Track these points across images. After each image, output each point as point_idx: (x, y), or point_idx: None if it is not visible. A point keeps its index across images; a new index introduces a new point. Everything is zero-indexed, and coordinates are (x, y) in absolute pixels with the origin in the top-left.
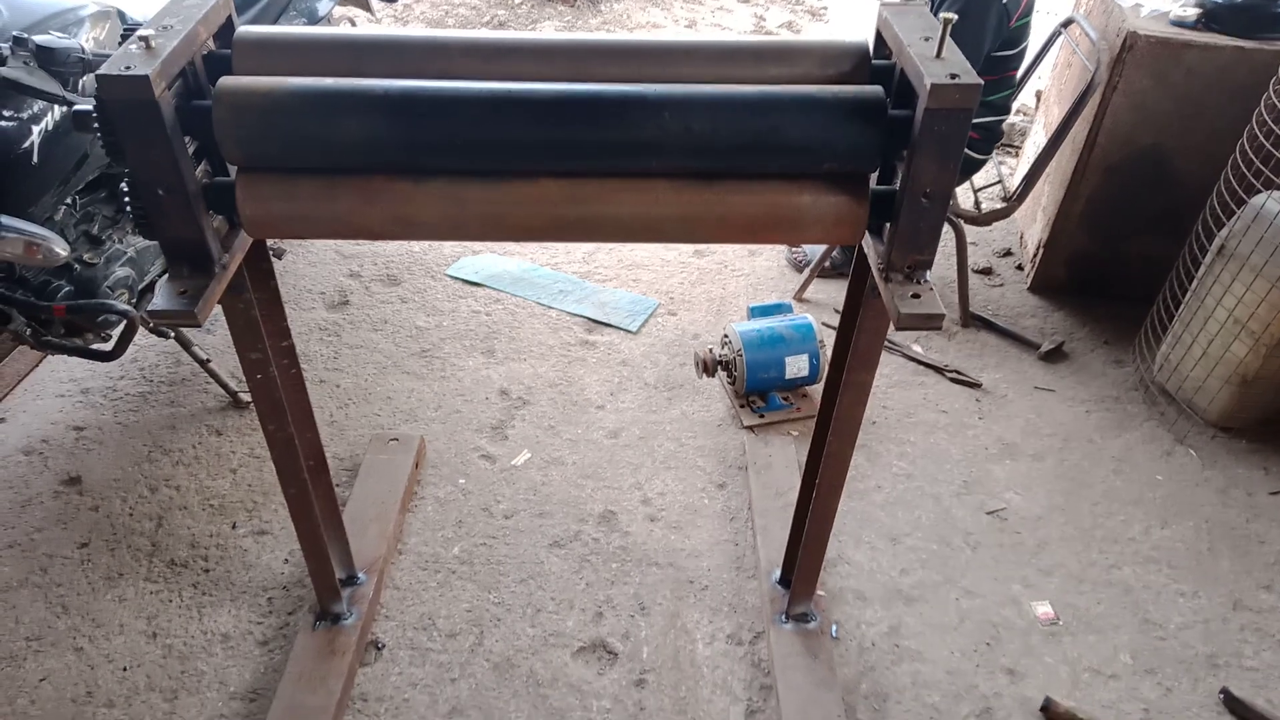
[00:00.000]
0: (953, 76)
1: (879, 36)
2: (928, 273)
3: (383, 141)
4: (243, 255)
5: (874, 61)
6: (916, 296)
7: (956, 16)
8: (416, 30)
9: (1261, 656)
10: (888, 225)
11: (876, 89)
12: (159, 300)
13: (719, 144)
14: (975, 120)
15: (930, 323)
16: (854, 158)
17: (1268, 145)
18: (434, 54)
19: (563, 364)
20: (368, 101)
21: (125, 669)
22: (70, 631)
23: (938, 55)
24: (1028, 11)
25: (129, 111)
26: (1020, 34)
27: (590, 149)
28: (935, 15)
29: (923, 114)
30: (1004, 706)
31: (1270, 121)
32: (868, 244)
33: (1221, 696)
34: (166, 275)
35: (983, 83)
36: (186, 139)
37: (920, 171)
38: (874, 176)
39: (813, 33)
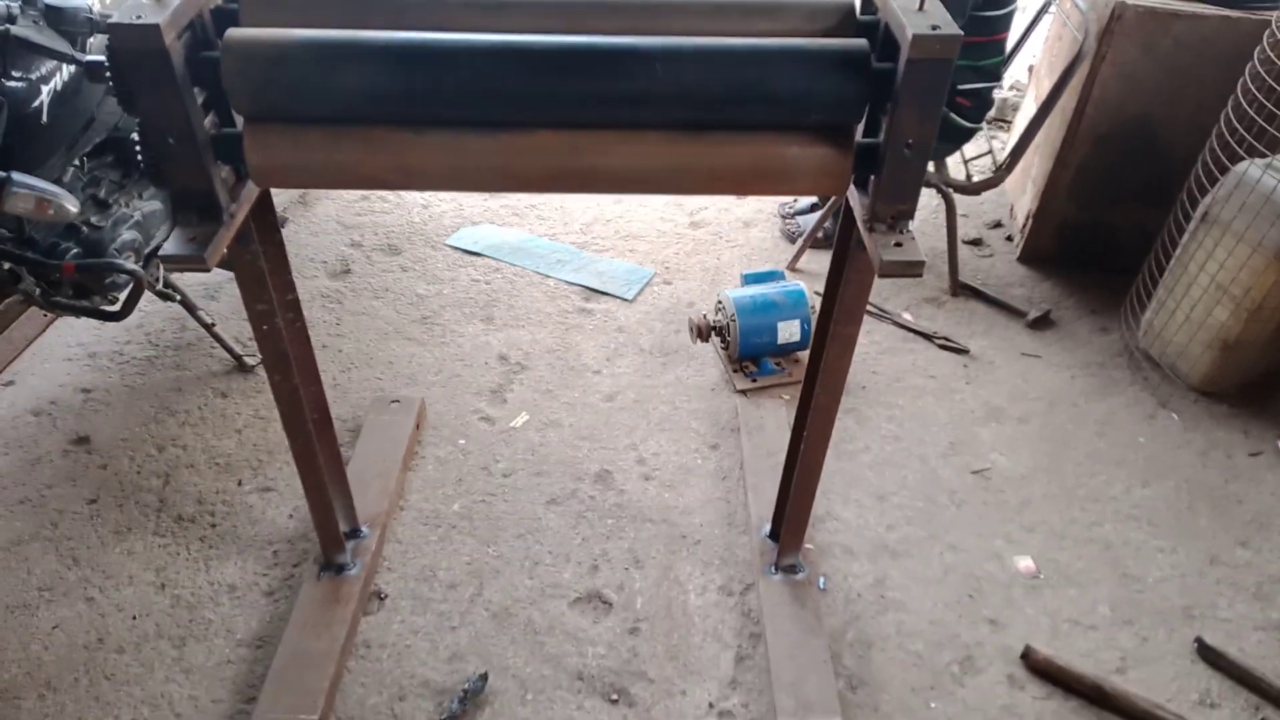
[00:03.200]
0: (934, 28)
1: None
2: (910, 222)
3: (385, 92)
4: (250, 206)
5: (861, 17)
6: (899, 245)
7: None
8: None
9: (1235, 609)
10: (872, 178)
11: (861, 41)
12: (169, 246)
13: (709, 94)
14: (966, 87)
15: (911, 269)
16: (839, 109)
17: (1251, 113)
18: (435, 7)
19: (560, 330)
20: (370, 52)
21: (135, 617)
22: (81, 582)
23: (920, 8)
24: None
25: (140, 60)
26: None
27: (585, 100)
28: None
29: (905, 65)
30: (985, 654)
31: (1255, 90)
32: (854, 198)
33: (1195, 645)
34: (176, 226)
35: (963, 34)
36: (196, 90)
37: (903, 122)
38: (860, 132)
39: None
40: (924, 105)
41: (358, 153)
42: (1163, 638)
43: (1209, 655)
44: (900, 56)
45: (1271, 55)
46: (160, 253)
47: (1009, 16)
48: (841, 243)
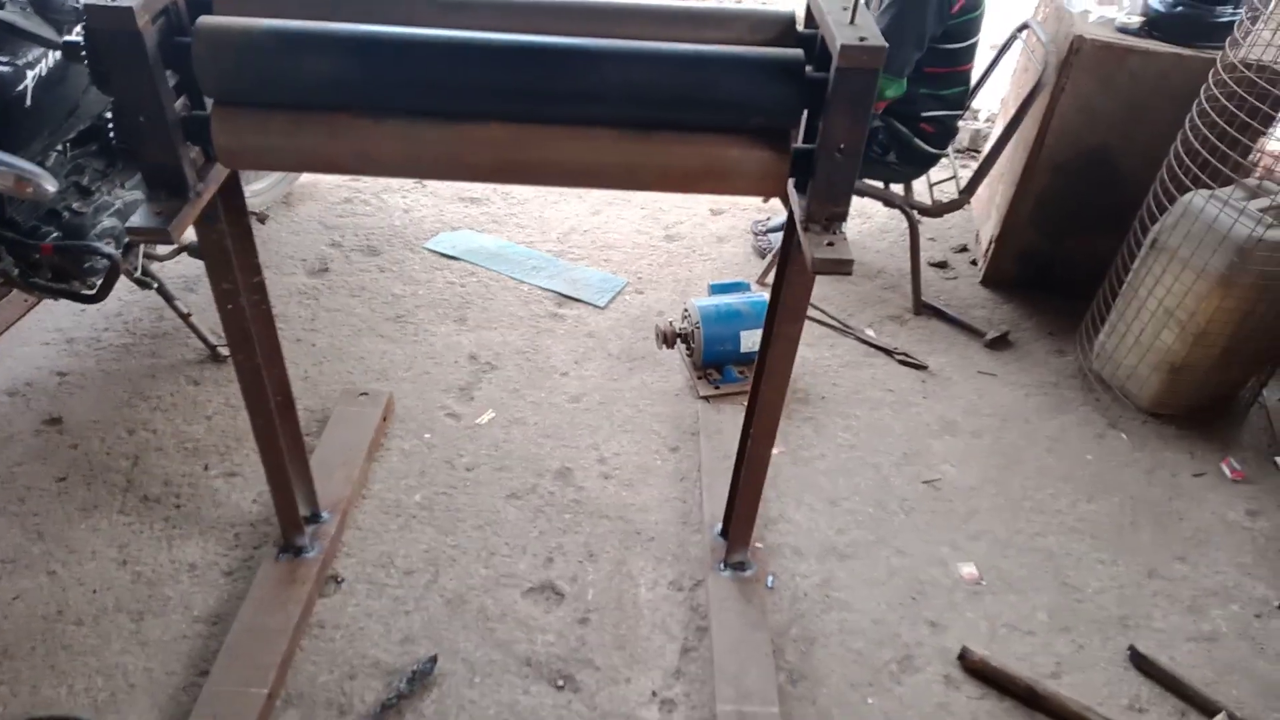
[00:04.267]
0: (861, 39)
1: (808, 9)
2: (842, 224)
3: (347, 80)
4: (217, 186)
5: (803, 30)
6: (831, 245)
7: None
8: None
9: (1170, 620)
10: (810, 182)
11: (796, 51)
12: (137, 219)
13: (654, 95)
14: (929, 114)
15: (841, 267)
16: (776, 114)
17: (1198, 146)
18: (399, 4)
19: (531, 334)
20: (334, 43)
21: (95, 591)
22: (44, 556)
23: (851, 21)
24: (973, 5)
25: (114, 40)
26: (968, 28)
27: (537, 95)
28: None
29: (834, 73)
30: (923, 654)
31: (1201, 124)
32: (794, 200)
33: (1128, 653)
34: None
35: (887, 45)
36: (168, 73)
37: (834, 127)
38: (801, 137)
39: None
40: (853, 112)
41: (320, 137)
42: (1098, 645)
43: (1141, 663)
44: (831, 65)
45: (1216, 92)
46: (128, 224)
47: (971, 49)
48: (786, 245)
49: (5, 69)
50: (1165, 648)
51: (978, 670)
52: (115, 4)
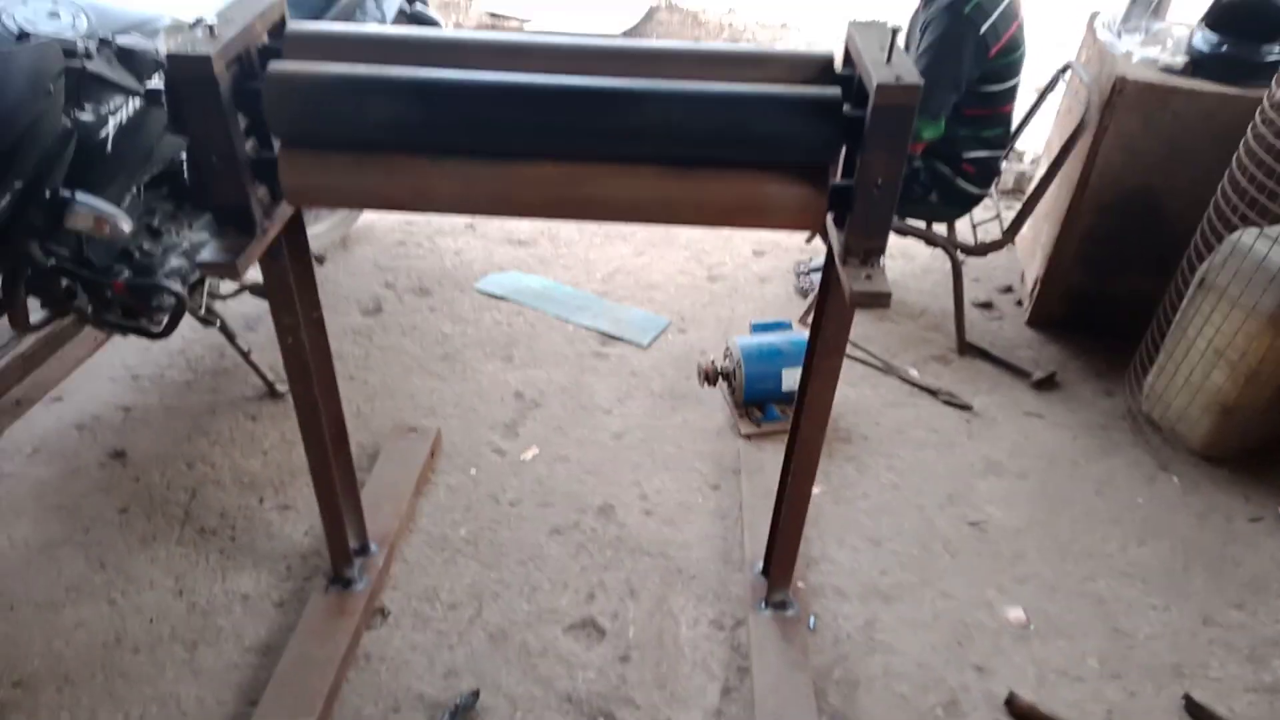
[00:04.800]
0: (898, 78)
1: (846, 50)
2: (881, 258)
3: (406, 123)
4: (282, 224)
5: (840, 71)
6: (869, 278)
7: (905, 26)
8: (440, 31)
9: (1227, 669)
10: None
11: (834, 89)
12: (207, 254)
13: (695, 133)
14: (971, 155)
15: (878, 300)
16: (813, 151)
17: (1245, 184)
18: (454, 50)
19: (575, 372)
20: (394, 87)
21: (152, 620)
22: (106, 585)
23: (887, 61)
24: (1012, 48)
25: (192, 87)
26: (1008, 70)
27: (584, 135)
28: (919, 39)
29: (872, 111)
30: (970, 699)
31: (1249, 163)
32: (833, 235)
33: (1183, 702)
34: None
35: (922, 82)
36: (239, 116)
37: (871, 164)
38: (839, 173)
39: None
40: (890, 148)
41: (380, 177)
42: (1150, 693)
43: (1196, 712)
44: (869, 103)
45: (1264, 130)
46: (198, 258)
47: (1012, 91)
48: (826, 279)
49: (89, 117)
50: (1223, 698)
51: (1026, 716)
52: (194, 53)
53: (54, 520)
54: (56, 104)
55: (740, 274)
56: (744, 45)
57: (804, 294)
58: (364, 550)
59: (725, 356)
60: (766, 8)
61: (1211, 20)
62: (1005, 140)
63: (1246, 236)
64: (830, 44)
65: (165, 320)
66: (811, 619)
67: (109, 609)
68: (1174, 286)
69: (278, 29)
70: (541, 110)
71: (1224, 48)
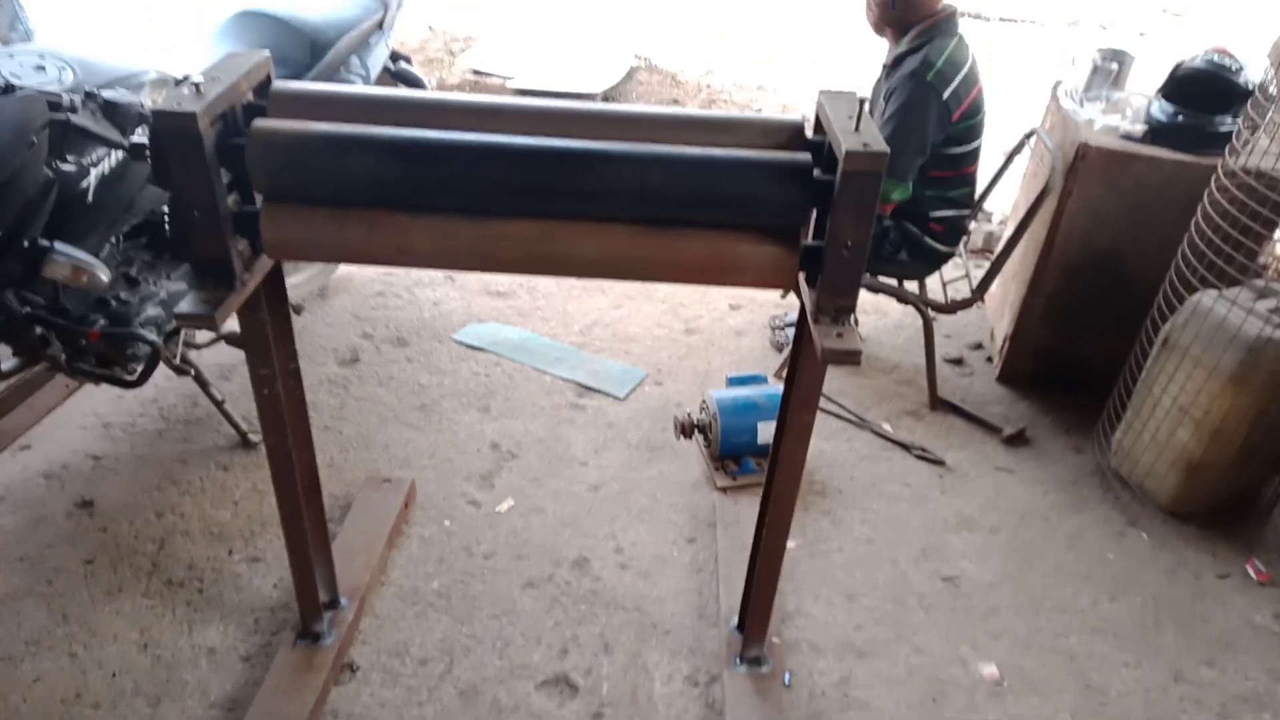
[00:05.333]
0: (865, 145)
1: (817, 118)
2: (851, 316)
3: (387, 180)
4: (262, 276)
5: (811, 137)
6: (840, 335)
7: (869, 97)
8: (421, 92)
9: None
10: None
11: (804, 155)
12: (185, 305)
13: (669, 195)
14: (938, 214)
15: (849, 358)
16: (784, 213)
17: (1204, 248)
18: (436, 111)
19: (552, 423)
20: (376, 146)
21: (114, 674)
22: (67, 638)
23: (855, 128)
24: (973, 112)
25: (177, 141)
26: (970, 133)
27: (561, 194)
28: (883, 106)
29: (840, 176)
30: None
31: (1206, 228)
32: (805, 294)
33: None
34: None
35: (889, 150)
36: (222, 170)
37: (840, 226)
38: (811, 234)
39: None
40: (859, 211)
41: (361, 232)
42: None
43: None
44: (838, 169)
45: (1219, 197)
46: (176, 310)
47: (974, 153)
48: (798, 336)
49: (72, 168)
50: None
51: None
52: (180, 109)
53: (16, 572)
54: (39, 155)
55: (716, 327)
56: (718, 111)
57: (779, 348)
58: (334, 604)
59: (701, 409)
60: (743, 70)
61: (1168, 91)
62: (970, 200)
63: (1206, 298)
64: (805, 105)
65: (140, 369)
66: (786, 675)
67: (70, 663)
68: (1139, 346)
69: (262, 87)
70: (520, 170)
71: (1179, 118)
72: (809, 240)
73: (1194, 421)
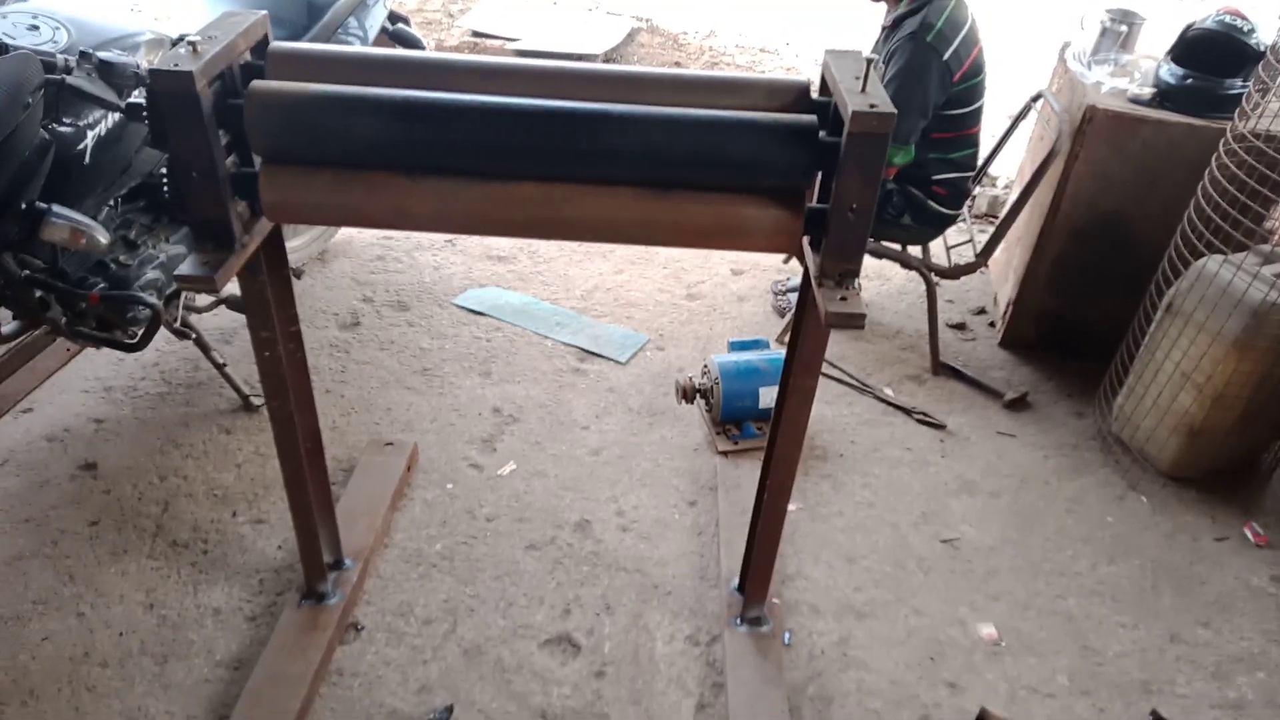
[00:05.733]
0: (871, 106)
1: (823, 78)
2: (855, 280)
3: (387, 142)
4: (261, 239)
5: (817, 98)
6: (844, 299)
7: (879, 58)
8: (421, 53)
9: (1193, 686)
10: (824, 239)
11: (810, 116)
12: (185, 268)
13: (673, 156)
14: (940, 177)
15: (853, 321)
16: (789, 174)
17: (1210, 213)
18: (435, 72)
19: (554, 388)
20: (376, 107)
21: (121, 634)
22: (74, 599)
23: (862, 89)
24: (974, 72)
25: (174, 101)
26: (971, 94)
27: (564, 156)
28: (884, 69)
29: (846, 137)
30: (942, 715)
31: (1214, 192)
32: (809, 257)
33: (1151, 718)
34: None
35: (896, 111)
36: (220, 132)
37: (846, 188)
38: (815, 197)
39: None
40: (864, 174)
41: (361, 195)
42: (1119, 710)
43: None
44: (844, 130)
45: (1227, 161)
46: (176, 272)
47: (976, 114)
48: (802, 300)
49: (68, 129)
50: (1189, 714)
51: None
52: (177, 69)
53: (22, 533)
54: (35, 116)
55: (718, 293)
56: (723, 72)
57: (781, 313)
58: (338, 565)
59: (703, 374)
60: (746, 32)
61: (1177, 54)
62: (973, 162)
63: (1212, 263)
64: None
65: (140, 333)
66: (786, 635)
67: (77, 622)
68: (1142, 310)
69: (260, 47)
70: (522, 131)
71: (1189, 80)
72: (814, 203)
73: (1196, 386)
